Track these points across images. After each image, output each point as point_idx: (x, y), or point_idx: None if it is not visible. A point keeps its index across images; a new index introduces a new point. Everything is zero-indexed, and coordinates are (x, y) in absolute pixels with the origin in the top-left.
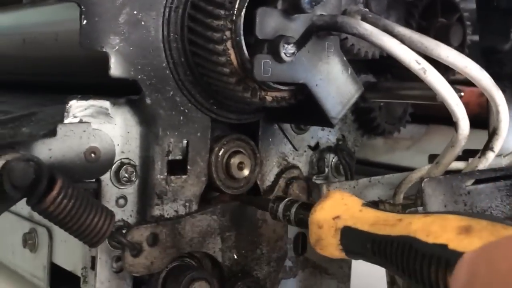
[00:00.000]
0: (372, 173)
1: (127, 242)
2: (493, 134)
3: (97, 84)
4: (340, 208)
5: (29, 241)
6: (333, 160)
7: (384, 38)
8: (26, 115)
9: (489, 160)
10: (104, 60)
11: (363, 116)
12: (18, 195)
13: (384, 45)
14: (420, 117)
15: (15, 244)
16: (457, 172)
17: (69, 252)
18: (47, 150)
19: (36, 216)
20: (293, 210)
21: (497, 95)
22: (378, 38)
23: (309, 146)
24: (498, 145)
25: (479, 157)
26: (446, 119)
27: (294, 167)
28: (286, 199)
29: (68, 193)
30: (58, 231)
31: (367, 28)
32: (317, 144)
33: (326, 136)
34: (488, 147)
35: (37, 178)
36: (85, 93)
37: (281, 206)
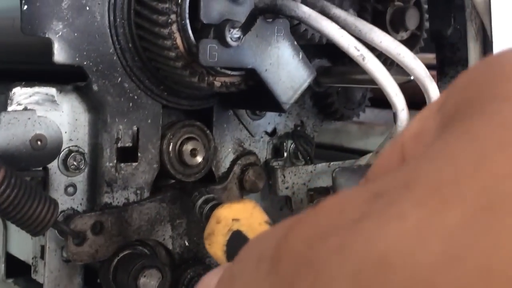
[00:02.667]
0: (346, 159)
1: (69, 231)
2: None
3: (54, 72)
4: (244, 214)
5: None
6: (292, 146)
7: (323, 22)
8: None
9: None
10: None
11: (321, 101)
12: None
13: (322, 30)
14: None
15: None
16: None
17: (22, 241)
18: None
19: None
20: (208, 206)
21: (431, 87)
22: (317, 21)
23: (266, 132)
24: None
25: None
26: (420, 104)
27: (251, 153)
28: (208, 196)
29: (11, 183)
30: None
31: (305, 11)
32: (275, 130)
33: (283, 122)
34: None
35: None
36: (41, 81)
37: (201, 199)
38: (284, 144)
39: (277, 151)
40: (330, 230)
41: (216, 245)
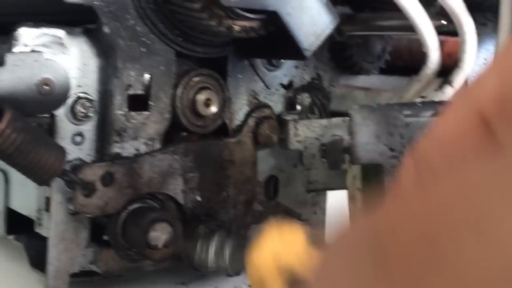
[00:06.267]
0: None
1: (78, 180)
2: (454, 66)
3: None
4: (278, 244)
5: None
6: (307, 99)
7: None
8: None
9: (446, 95)
10: None
11: (339, 54)
12: None
13: None
14: (401, 69)
15: None
16: None
17: (26, 196)
18: None
19: None
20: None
21: (466, 22)
22: None
23: (282, 85)
24: (458, 79)
25: (435, 90)
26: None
27: (265, 106)
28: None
29: (18, 127)
30: (15, 175)
31: None
32: (291, 83)
33: (300, 75)
34: (446, 80)
35: None
36: None
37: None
38: (299, 97)
39: (291, 105)
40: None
41: None
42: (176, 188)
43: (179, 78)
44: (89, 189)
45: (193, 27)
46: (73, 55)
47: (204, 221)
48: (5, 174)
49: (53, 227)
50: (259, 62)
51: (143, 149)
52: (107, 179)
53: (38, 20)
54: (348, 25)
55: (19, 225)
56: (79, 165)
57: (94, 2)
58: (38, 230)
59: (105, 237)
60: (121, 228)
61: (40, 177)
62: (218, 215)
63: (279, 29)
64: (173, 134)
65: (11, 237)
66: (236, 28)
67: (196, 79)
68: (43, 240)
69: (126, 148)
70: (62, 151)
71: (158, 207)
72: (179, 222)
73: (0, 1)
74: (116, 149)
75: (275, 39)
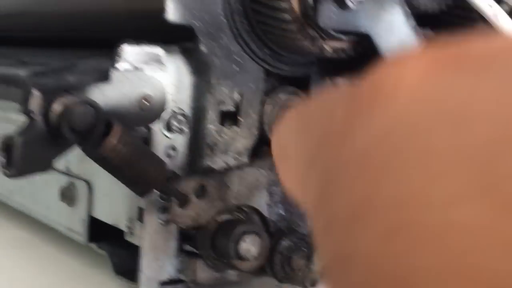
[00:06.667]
0: None
1: (177, 193)
2: None
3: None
4: None
5: (66, 194)
6: None
7: None
8: (67, 66)
9: None
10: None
11: None
12: (75, 140)
13: None
14: None
15: (51, 198)
16: None
17: (111, 205)
18: (102, 96)
19: (74, 169)
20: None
21: None
22: None
23: None
24: None
25: None
26: None
27: None
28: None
29: (125, 139)
30: (98, 185)
31: None
32: None
33: None
34: None
35: (95, 122)
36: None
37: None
38: None
39: None
40: None
41: None
42: (261, 201)
43: (266, 95)
44: (184, 200)
45: (286, 47)
46: (170, 72)
47: (287, 234)
48: (88, 183)
49: (146, 236)
50: (339, 81)
51: (232, 163)
52: (200, 191)
53: (138, 37)
54: None
55: (99, 233)
56: (176, 177)
57: (194, 23)
58: (129, 239)
59: (187, 248)
60: (211, 239)
61: (143, 189)
62: (299, 229)
63: (367, 50)
64: (257, 149)
65: (93, 244)
66: (328, 48)
67: (282, 96)
68: (127, 248)
69: (216, 162)
70: (163, 164)
71: (244, 219)
72: (265, 234)
73: (106, 19)
74: (207, 162)
75: (361, 60)
